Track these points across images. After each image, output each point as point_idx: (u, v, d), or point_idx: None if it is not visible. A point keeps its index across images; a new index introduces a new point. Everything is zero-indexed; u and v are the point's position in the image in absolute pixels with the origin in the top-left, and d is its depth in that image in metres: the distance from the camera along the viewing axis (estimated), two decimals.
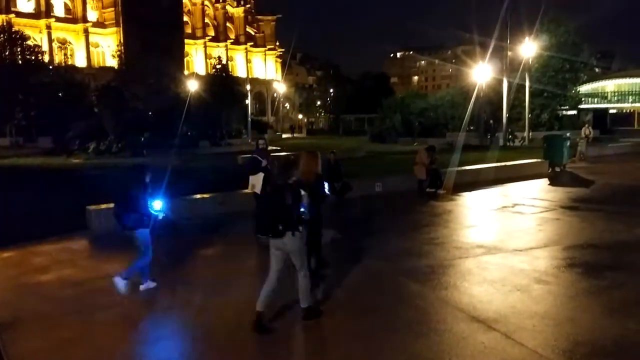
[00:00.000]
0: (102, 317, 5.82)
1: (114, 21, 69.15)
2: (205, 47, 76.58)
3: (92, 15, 70.78)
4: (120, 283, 6.25)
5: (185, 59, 72.00)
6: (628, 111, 49.21)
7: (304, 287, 5.52)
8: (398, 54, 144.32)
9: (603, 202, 12.38)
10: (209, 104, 46.42)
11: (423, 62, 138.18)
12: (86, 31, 69.06)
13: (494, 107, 37.62)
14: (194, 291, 6.66)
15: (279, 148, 31.48)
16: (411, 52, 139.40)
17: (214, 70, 58.87)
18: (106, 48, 69.13)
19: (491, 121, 37.48)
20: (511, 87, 34.02)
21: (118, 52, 53.93)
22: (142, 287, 6.57)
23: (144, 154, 31.61)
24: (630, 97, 62.11)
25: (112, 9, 69.09)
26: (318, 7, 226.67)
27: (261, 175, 9.35)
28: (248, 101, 55.21)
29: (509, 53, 35.66)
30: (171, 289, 6.71)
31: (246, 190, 9.94)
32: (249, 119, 53.86)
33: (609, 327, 5.09)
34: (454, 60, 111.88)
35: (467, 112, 35.26)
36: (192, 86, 48.31)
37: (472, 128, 39.14)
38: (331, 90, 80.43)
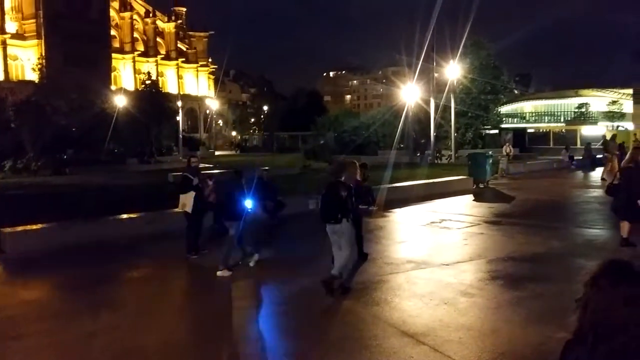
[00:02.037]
0: (16, 346, 5.41)
1: (35, 33, 65.71)
2: (134, 62, 74.38)
3: (11, 26, 67.00)
4: (225, 273, 7.74)
5: (112, 74, 69.61)
6: (544, 130, 52.66)
7: (342, 261, 6.75)
8: (331, 73, 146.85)
9: (522, 216, 13.08)
10: (137, 120, 44.94)
11: (355, 81, 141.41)
12: (4, 43, 65.15)
13: (423, 126, 38.99)
14: (118, 315, 6.35)
15: (211, 165, 30.93)
16: (344, 72, 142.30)
17: (143, 85, 57.20)
18: (26, 61, 65.43)
19: (422, 142, 38.81)
20: (438, 107, 35.48)
21: (39, 65, 51.17)
22: (219, 274, 7.74)
23: (66, 172, 30.07)
24: (546, 117, 66.56)
25: (34, 20, 65.70)
26: (252, 25, 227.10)
27: (192, 194, 9.15)
28: (179, 118, 53.99)
29: (436, 75, 37.28)
30: (94, 313, 6.36)
31: (177, 209, 9.68)
32: (180, 135, 52.68)
33: (529, 336, 5.35)
34: (384, 81, 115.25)
35: (398, 131, 36.32)
36: (120, 101, 46.69)
37: (402, 146, 40.33)
38: (265, 108, 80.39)
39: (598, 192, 16.50)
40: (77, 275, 6.38)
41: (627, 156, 9.17)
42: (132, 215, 11.84)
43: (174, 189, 11.08)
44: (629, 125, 48.83)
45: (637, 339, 1.69)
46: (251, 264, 8.45)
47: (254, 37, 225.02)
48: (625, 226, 8.96)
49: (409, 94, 37.52)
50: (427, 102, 35.93)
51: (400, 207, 14.64)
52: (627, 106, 53.79)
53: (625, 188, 8.84)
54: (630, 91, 51.88)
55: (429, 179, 19.25)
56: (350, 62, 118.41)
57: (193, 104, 78.71)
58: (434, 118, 34.37)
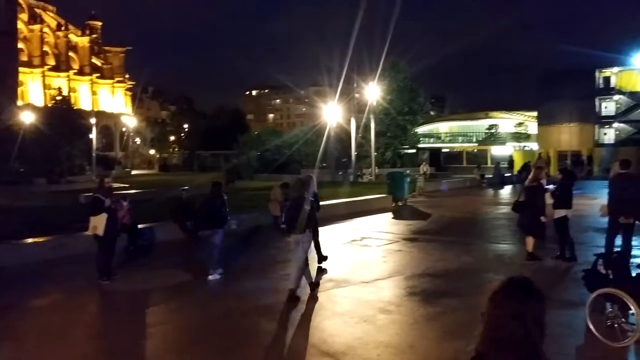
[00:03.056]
0: None
1: None
2: (43, 76, 70.19)
3: None
4: (215, 276, 8.62)
5: (19, 89, 65.32)
6: (458, 150, 55.51)
7: (294, 275, 7.54)
8: (254, 92, 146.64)
9: (438, 233, 13.61)
10: (47, 138, 42.36)
11: (278, 100, 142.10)
12: None
13: (344, 145, 39.83)
14: (18, 347, 5.84)
15: (127, 185, 29.65)
16: (266, 91, 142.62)
17: (53, 101, 54.16)
18: None
19: (343, 161, 39.56)
20: (359, 127, 36.43)
21: None
22: (210, 278, 8.57)
23: None
24: (459, 137, 70.19)
25: None
26: (173, 42, 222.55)
27: (104, 215, 8.69)
28: (93, 135, 51.51)
29: (357, 95, 38.36)
30: None
31: (87, 232, 9.15)
32: (94, 154, 50.21)
33: (444, 350, 5.53)
34: (307, 100, 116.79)
35: (320, 150, 36.82)
36: (27, 118, 43.84)
37: (324, 165, 40.89)
38: (185, 126, 78.58)
39: (506, 209, 17.53)
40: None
41: (530, 175, 9.83)
42: (37, 240, 11.04)
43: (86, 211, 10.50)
44: (534, 146, 52.60)
45: (527, 353, 1.78)
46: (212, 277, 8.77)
47: (175, 54, 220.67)
48: (530, 241, 9.56)
49: (331, 113, 38.25)
50: (349, 122, 36.78)
51: (322, 225, 14.67)
52: (532, 128, 58.03)
53: (530, 205, 9.46)
54: (535, 114, 56.04)
55: (350, 197, 19.59)
56: (273, 81, 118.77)
57: (108, 121, 75.36)
58: (355, 137, 35.21)
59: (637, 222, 8.69)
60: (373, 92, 36.10)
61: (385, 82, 41.74)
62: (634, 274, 6.06)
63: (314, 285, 7.92)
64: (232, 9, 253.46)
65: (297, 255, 7.60)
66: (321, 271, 9.26)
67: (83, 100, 73.58)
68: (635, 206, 8.35)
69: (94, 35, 77.38)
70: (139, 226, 11.93)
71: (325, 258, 9.99)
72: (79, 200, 21.52)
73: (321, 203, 17.53)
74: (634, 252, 8.99)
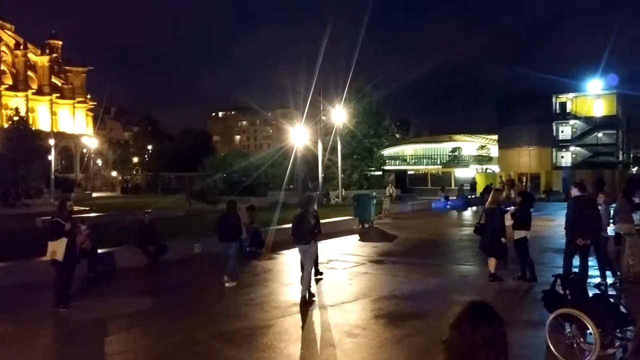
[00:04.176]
0: None
1: None
2: (0, 96, 68.18)
3: None
4: (232, 284, 9.83)
5: None
6: (423, 172, 56.47)
7: (305, 282, 8.49)
8: (220, 113, 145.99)
9: (404, 255, 13.72)
10: (3, 159, 40.96)
11: (245, 122, 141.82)
12: None
13: (311, 167, 39.92)
14: None
15: (87, 208, 28.84)
16: (233, 112, 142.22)
17: (10, 122, 52.54)
18: None
19: (311, 183, 39.58)
20: (326, 149, 36.64)
21: None
22: (227, 285, 9.80)
23: None
24: (424, 159, 71.51)
25: None
26: (137, 62, 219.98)
27: (64, 240, 8.40)
28: (52, 157, 50.02)
29: (324, 118, 38.64)
30: None
31: (44, 258, 8.81)
32: (52, 176, 48.70)
33: None
34: (274, 122, 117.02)
35: (287, 172, 36.77)
36: None
37: (292, 187, 40.81)
38: (149, 147, 77.29)
39: (469, 230, 17.82)
40: None
41: (490, 198, 10.06)
42: None
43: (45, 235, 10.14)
44: (496, 168, 53.99)
45: None
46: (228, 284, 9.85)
47: (140, 75, 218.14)
48: (492, 262, 9.73)
49: (298, 135, 38.37)
50: (316, 144, 36.95)
51: (289, 248, 14.57)
52: (494, 150, 59.63)
53: (490, 227, 9.66)
54: (496, 137, 57.65)
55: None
56: (240, 103, 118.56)
57: (68, 142, 73.41)
58: (322, 160, 35.37)
59: (593, 243, 8.98)
60: (339, 115, 36.48)
61: (351, 106, 42.23)
62: (591, 294, 6.23)
63: (307, 299, 8.43)
64: (198, 30, 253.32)
65: (308, 262, 8.63)
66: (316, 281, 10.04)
67: (42, 120, 71.51)
68: (591, 228, 8.63)
69: (54, 55, 75.62)
70: (99, 251, 11.58)
71: (321, 273, 10.70)
72: (36, 224, 20.79)
73: (287, 226, 17.58)
74: (590, 272, 9.26)
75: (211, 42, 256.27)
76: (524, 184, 20.92)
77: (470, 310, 1.94)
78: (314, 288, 9.67)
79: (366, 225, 20.18)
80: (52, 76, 75.34)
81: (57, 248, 8.36)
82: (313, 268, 9.78)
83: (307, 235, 8.65)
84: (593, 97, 51.57)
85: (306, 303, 8.28)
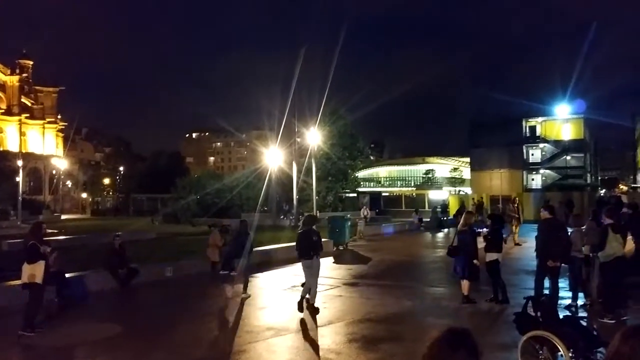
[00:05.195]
0: None
1: None
2: None
3: None
4: (246, 295, 10.71)
5: None
6: (397, 194, 56.85)
7: (314, 291, 9.48)
8: (194, 135, 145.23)
9: (378, 277, 13.70)
10: None
11: (219, 143, 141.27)
12: None
13: (286, 189, 39.82)
14: None
15: (55, 231, 28.08)
16: (207, 134, 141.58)
17: None
18: None
19: (285, 205, 39.43)
20: (301, 171, 36.66)
21: None
22: (243, 296, 10.81)
23: None
24: (398, 181, 72.14)
25: None
26: (109, 82, 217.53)
27: (42, 263, 8.19)
28: (19, 178, 48.78)
29: (298, 140, 38.75)
30: None
31: (18, 282, 8.53)
32: (20, 198, 47.43)
33: None
34: (248, 144, 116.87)
35: (262, 193, 36.60)
36: None
37: (266, 209, 40.59)
38: (121, 168, 76.16)
39: (443, 252, 17.93)
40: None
41: (462, 220, 10.17)
42: None
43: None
44: (469, 190, 54.76)
45: None
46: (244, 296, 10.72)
47: (112, 95, 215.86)
48: (465, 285, 9.79)
49: (273, 157, 38.34)
50: (290, 166, 36.95)
51: (262, 271, 14.50)
52: (466, 173, 60.54)
53: (463, 250, 9.75)
54: (468, 159, 58.60)
55: (291, 242, 19.34)
56: (214, 124, 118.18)
57: (37, 163, 71.79)
58: (297, 181, 35.35)
59: (567, 264, 9.14)
60: (314, 137, 36.63)
61: (325, 128, 42.49)
62: (561, 316, 6.31)
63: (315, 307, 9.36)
64: (172, 52, 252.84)
65: (313, 276, 9.44)
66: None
67: (10, 141, 69.93)
68: (561, 250, 8.79)
69: (24, 75, 74.40)
70: (67, 275, 11.25)
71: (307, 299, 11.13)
72: (2, 248, 20.14)
73: (261, 248, 17.45)
74: (561, 293, 9.39)
75: (186, 64, 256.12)
76: (515, 205, 21.03)
77: (450, 335, 1.94)
78: (292, 312, 9.57)
79: (340, 248, 20.12)
80: (22, 96, 74.03)
81: (36, 271, 8.14)
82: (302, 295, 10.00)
83: (310, 251, 9.37)
84: (561, 121, 53.03)
85: (314, 310, 9.20)
